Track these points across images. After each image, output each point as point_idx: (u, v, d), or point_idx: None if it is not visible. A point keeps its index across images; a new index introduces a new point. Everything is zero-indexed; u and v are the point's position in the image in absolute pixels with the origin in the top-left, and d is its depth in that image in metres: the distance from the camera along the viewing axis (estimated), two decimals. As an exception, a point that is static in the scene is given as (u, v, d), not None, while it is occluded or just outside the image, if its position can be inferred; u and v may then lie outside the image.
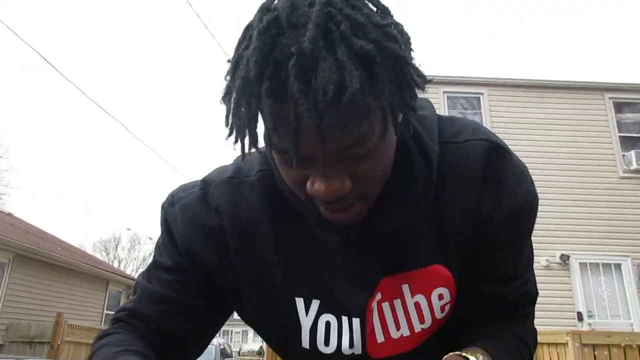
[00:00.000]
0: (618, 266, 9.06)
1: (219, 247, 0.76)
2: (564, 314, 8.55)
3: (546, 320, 7.90)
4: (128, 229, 45.91)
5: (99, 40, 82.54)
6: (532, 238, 0.82)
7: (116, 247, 46.21)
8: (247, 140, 0.57)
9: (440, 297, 0.75)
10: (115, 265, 40.05)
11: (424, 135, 0.72)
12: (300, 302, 0.76)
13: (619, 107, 10.23)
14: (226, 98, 0.58)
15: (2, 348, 10.54)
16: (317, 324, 0.76)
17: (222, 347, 12.50)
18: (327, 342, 0.76)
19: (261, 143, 0.59)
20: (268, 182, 0.75)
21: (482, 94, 10.18)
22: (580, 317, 8.72)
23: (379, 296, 0.75)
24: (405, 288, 0.75)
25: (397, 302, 0.75)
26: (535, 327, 0.86)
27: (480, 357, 0.67)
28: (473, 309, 0.80)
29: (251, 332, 55.76)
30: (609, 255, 8.97)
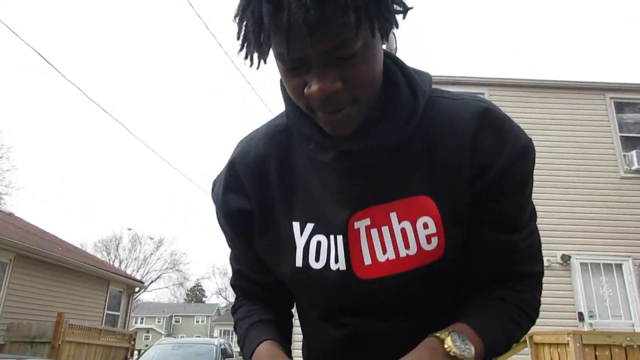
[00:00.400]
0: (619, 266, 9.06)
1: (242, 193, 0.91)
2: (565, 314, 8.54)
3: (547, 320, 7.89)
4: (129, 229, 45.94)
5: (99, 40, 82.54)
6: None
7: (117, 247, 46.34)
8: (254, 48, 0.70)
9: (425, 225, 0.80)
10: (116, 265, 40.09)
11: (414, 75, 0.84)
12: (296, 226, 0.87)
13: (620, 107, 10.22)
14: (236, 18, 0.72)
15: (3, 348, 10.55)
16: (309, 244, 0.85)
17: (223, 346, 12.49)
18: (317, 259, 0.84)
19: (270, 60, 0.72)
20: (273, 131, 0.92)
21: (482, 94, 10.16)
22: (581, 317, 8.71)
23: (367, 222, 0.83)
24: (393, 216, 0.82)
25: (385, 229, 0.82)
26: (540, 300, 0.88)
27: (449, 336, 0.74)
28: (477, 266, 0.85)
29: (252, 332, 55.68)
30: (610, 256, 8.96)
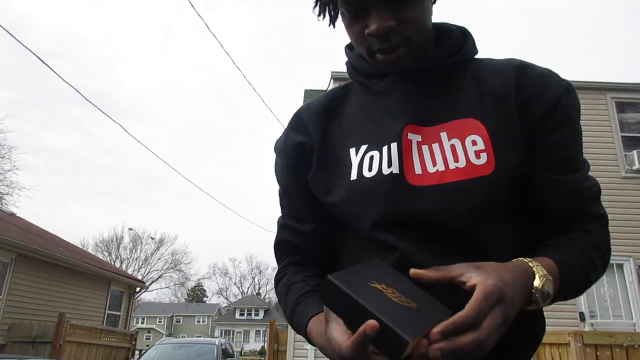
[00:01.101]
0: (620, 266, 9.06)
1: (304, 132, 1.00)
2: (566, 314, 8.53)
3: (548, 320, 7.82)
4: (130, 229, 45.86)
5: (96, 37, 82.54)
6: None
7: (118, 247, 46.33)
8: (328, 6, 0.93)
9: (474, 143, 0.85)
10: (117, 265, 40.10)
11: (464, 28, 0.98)
12: (352, 151, 0.93)
13: (621, 107, 10.22)
14: None
15: (5, 348, 10.55)
16: (363, 159, 0.91)
17: (223, 346, 12.50)
18: (370, 168, 0.89)
19: (339, 20, 0.92)
20: (332, 91, 1.06)
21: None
22: (582, 317, 8.71)
23: (419, 138, 0.88)
24: (444, 135, 0.87)
25: (435, 145, 0.87)
26: (610, 243, 0.91)
27: (544, 279, 0.73)
28: (546, 211, 0.88)
29: (253, 332, 55.76)
30: (611, 256, 8.90)
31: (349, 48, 1.04)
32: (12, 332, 10.79)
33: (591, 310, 8.81)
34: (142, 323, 58.31)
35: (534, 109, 0.86)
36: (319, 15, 0.94)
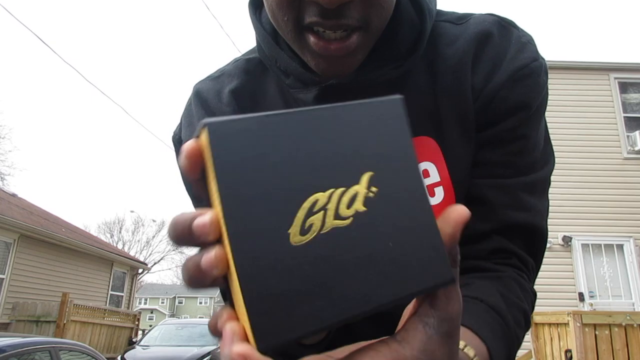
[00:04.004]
0: (620, 247, 9.08)
1: None
2: (566, 294, 8.59)
3: (548, 300, 7.95)
4: (132, 212, 46.20)
5: (97, 22, 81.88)
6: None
7: (120, 229, 46.50)
8: None
9: (426, 173, 0.67)
10: (120, 247, 40.35)
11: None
12: None
13: (624, 87, 10.14)
14: None
15: (9, 326, 10.69)
16: None
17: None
18: None
19: None
20: (245, 65, 0.77)
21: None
22: (581, 297, 8.77)
23: None
24: None
25: None
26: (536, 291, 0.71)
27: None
28: (479, 220, 0.67)
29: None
30: (612, 236, 8.99)
31: (254, 7, 0.73)
32: (16, 311, 10.92)
33: (590, 291, 8.86)
34: (145, 304, 58.88)
35: (485, 99, 0.67)
36: None
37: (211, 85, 0.78)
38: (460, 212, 0.34)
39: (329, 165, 0.33)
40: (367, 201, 0.33)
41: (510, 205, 0.67)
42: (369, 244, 0.32)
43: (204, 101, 0.76)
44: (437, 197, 0.66)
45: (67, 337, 10.12)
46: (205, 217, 0.30)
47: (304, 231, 0.31)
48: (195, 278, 0.31)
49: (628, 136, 9.68)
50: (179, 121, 0.83)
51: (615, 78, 10.11)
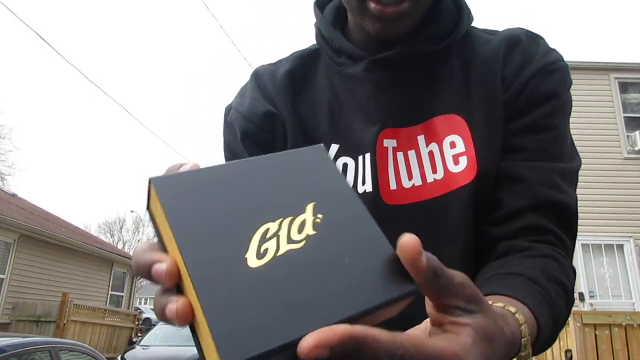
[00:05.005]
0: (620, 247, 9.08)
1: (271, 103, 0.85)
2: (566, 294, 8.59)
3: (548, 300, 7.93)
4: (132, 212, 46.10)
5: (99, 21, 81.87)
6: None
7: (120, 229, 46.53)
8: None
9: (452, 144, 0.75)
10: (120, 247, 40.36)
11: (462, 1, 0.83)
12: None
13: (624, 87, 10.14)
14: None
15: (9, 326, 10.68)
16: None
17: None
18: None
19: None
20: (300, 54, 0.90)
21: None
22: (582, 297, 8.76)
23: (394, 143, 0.78)
24: (421, 139, 0.77)
25: (412, 153, 0.77)
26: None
27: (528, 337, 0.48)
28: (506, 204, 0.72)
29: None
30: (612, 236, 8.99)
31: (318, 5, 0.88)
32: (16, 311, 10.92)
33: (591, 291, 8.86)
34: (145, 304, 58.91)
35: (515, 88, 0.76)
36: None
37: (268, 68, 0.90)
38: (410, 241, 0.33)
39: (274, 200, 0.36)
40: (316, 226, 0.36)
41: (546, 184, 0.72)
42: (326, 262, 0.34)
43: (259, 79, 0.88)
44: (461, 164, 0.74)
45: (67, 337, 10.12)
46: (162, 266, 0.33)
47: (260, 255, 0.33)
48: (165, 318, 0.33)
49: (628, 136, 9.68)
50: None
51: (616, 78, 10.10)
